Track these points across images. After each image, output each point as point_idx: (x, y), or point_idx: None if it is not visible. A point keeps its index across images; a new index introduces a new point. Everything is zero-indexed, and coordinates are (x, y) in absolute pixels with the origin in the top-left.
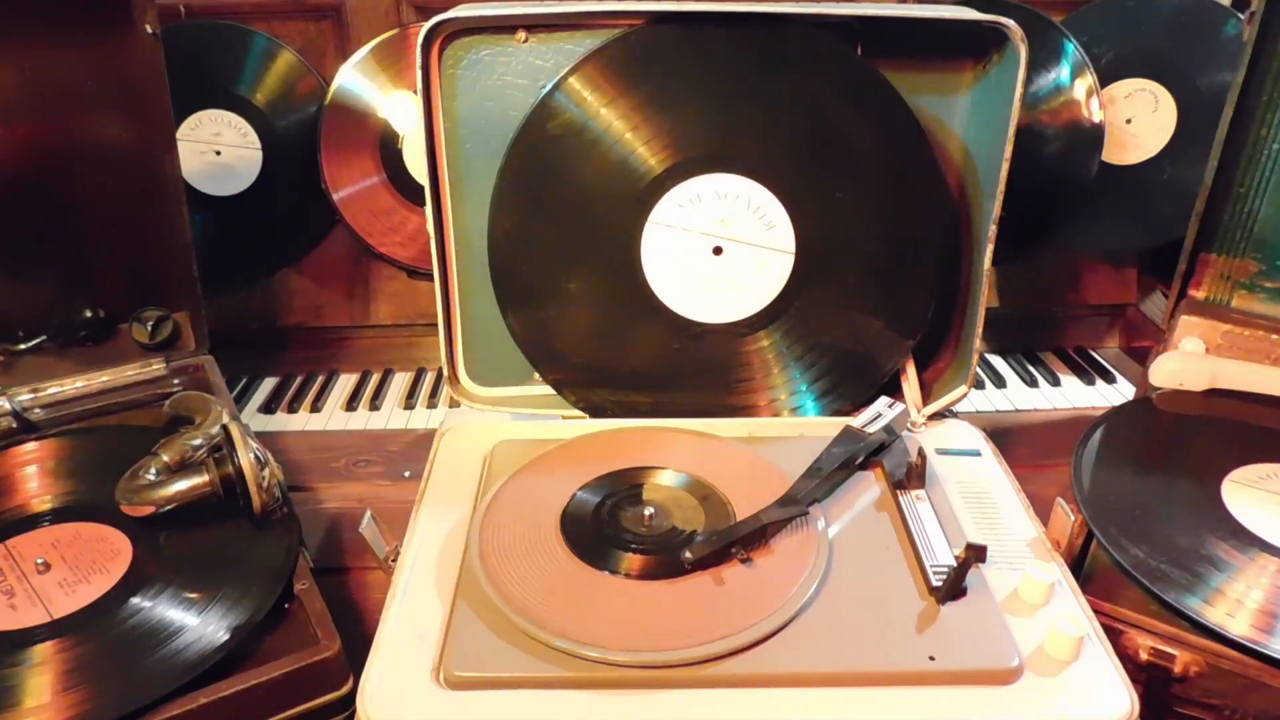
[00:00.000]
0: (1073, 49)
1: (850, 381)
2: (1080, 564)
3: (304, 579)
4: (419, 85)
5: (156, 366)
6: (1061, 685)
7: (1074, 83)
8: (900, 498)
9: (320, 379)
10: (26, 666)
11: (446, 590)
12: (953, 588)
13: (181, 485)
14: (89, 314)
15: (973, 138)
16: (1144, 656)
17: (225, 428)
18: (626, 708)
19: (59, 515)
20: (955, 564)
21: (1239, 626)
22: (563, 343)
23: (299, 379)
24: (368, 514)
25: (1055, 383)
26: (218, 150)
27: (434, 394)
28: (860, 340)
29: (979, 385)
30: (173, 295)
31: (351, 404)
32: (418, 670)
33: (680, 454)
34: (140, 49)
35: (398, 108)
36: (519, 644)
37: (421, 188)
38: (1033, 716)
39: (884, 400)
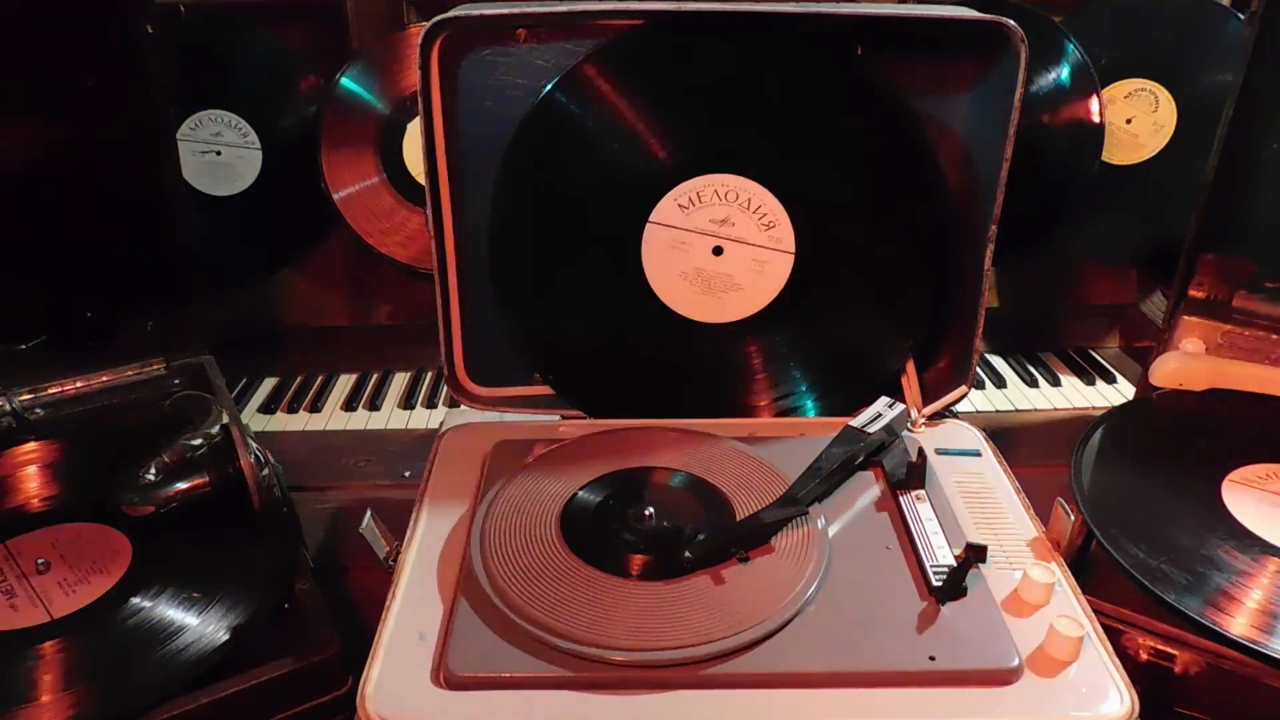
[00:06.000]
0: (1073, 49)
1: (850, 381)
2: (1080, 564)
3: (304, 579)
4: (419, 85)
5: (156, 366)
6: (1061, 685)
7: (1074, 83)
8: (900, 498)
9: (320, 379)
10: (26, 666)
11: (446, 590)
12: (953, 588)
13: (181, 485)
14: (89, 314)
15: (973, 138)
16: (1144, 656)
17: (225, 428)
18: (626, 708)
19: (59, 515)
20: (955, 564)
21: (1239, 626)
22: (562, 343)
23: (299, 379)
24: (368, 514)
25: (1055, 383)
26: (218, 150)
27: (434, 394)
28: (860, 340)
29: (979, 385)
30: (173, 295)
31: (351, 404)
32: (418, 670)
33: (680, 454)
34: (140, 48)
35: (397, 108)
36: (519, 644)
37: (421, 188)
38: (1032, 717)
39: (884, 400)
